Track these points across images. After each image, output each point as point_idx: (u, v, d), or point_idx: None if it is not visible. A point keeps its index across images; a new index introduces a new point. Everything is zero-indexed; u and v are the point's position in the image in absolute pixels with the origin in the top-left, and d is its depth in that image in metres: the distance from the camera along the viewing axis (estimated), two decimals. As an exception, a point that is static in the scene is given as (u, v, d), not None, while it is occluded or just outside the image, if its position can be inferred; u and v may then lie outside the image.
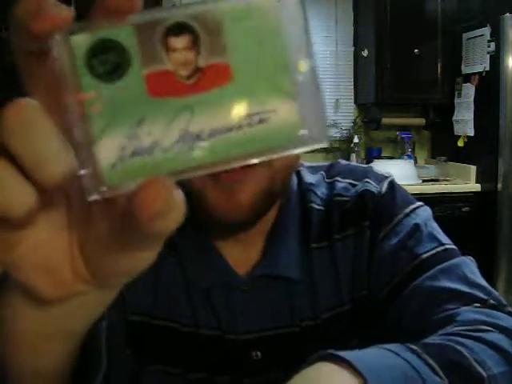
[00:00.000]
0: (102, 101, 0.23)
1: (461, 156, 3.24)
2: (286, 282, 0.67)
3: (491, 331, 0.53)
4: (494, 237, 2.94)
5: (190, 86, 0.24)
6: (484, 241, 2.88)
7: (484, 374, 0.48)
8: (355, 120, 3.59)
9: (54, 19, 0.22)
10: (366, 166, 0.77)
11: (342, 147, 3.47)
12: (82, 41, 0.23)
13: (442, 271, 0.62)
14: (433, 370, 0.46)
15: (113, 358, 0.61)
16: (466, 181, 3.14)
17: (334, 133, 3.50)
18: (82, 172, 0.23)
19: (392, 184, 0.71)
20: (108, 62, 0.23)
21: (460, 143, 3.24)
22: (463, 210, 3.01)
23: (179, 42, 0.24)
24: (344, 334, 0.68)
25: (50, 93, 0.24)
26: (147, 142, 0.23)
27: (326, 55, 3.52)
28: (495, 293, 0.61)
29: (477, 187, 3.07)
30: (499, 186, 2.92)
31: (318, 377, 0.41)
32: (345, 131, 3.52)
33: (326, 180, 0.74)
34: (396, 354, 0.46)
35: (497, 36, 2.89)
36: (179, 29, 0.24)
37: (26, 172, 0.23)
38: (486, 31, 2.98)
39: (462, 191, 3.06)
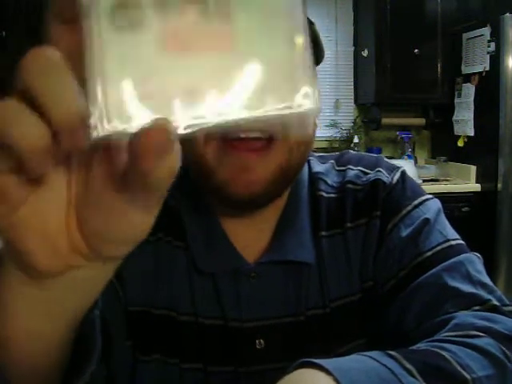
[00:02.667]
0: (118, 46, 0.24)
1: (461, 156, 3.24)
2: (294, 269, 0.67)
3: (481, 336, 0.53)
4: (493, 237, 2.94)
5: (203, 44, 0.25)
6: (484, 241, 2.88)
7: (468, 376, 0.47)
8: (355, 120, 3.60)
9: None
10: (376, 155, 0.77)
11: (342, 147, 3.47)
12: None
13: (446, 269, 0.62)
14: (410, 373, 0.46)
15: (114, 350, 0.62)
16: (465, 181, 3.14)
17: (334, 133, 3.51)
18: (91, 109, 0.24)
19: (403, 175, 0.72)
20: (129, 12, 0.24)
21: (460, 143, 3.24)
22: (463, 210, 3.01)
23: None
24: (350, 327, 0.68)
25: (74, 58, 0.25)
26: (156, 90, 0.25)
27: (326, 55, 3.51)
28: (498, 292, 0.61)
29: (477, 187, 3.07)
30: (499, 186, 2.92)
31: (301, 380, 0.42)
32: (345, 131, 3.52)
33: (337, 168, 0.74)
34: (374, 359, 0.47)
35: (497, 36, 2.89)
36: None
37: (41, 112, 0.24)
38: (486, 31, 2.98)
39: (461, 191, 3.06)
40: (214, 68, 0.25)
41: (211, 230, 0.66)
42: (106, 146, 0.26)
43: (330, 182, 0.72)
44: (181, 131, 0.25)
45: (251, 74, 0.25)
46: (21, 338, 0.32)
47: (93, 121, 0.24)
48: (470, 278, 0.61)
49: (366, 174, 0.72)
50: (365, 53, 3.42)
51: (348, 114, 3.61)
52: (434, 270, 0.62)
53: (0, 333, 0.32)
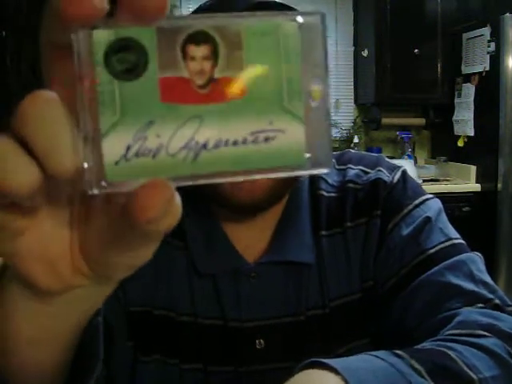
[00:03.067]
0: (114, 98, 0.23)
1: (461, 156, 3.24)
2: (293, 269, 0.67)
3: (486, 336, 0.53)
4: (494, 237, 2.94)
5: (203, 95, 0.24)
6: (484, 241, 2.88)
7: (474, 376, 0.48)
8: (355, 120, 3.60)
9: (90, 6, 0.22)
10: (376, 154, 0.77)
11: (342, 147, 3.47)
12: (103, 37, 0.23)
13: (448, 267, 0.62)
14: (419, 373, 0.46)
15: (115, 351, 0.61)
16: (465, 181, 3.14)
17: (334, 133, 3.51)
18: (86, 165, 0.23)
19: (404, 174, 0.72)
20: (126, 60, 0.23)
21: (460, 143, 3.24)
22: (463, 209, 3.01)
23: (199, 51, 0.24)
24: (350, 327, 0.68)
25: (69, 88, 0.24)
26: (154, 145, 0.24)
27: (326, 55, 3.52)
28: (500, 291, 0.61)
29: (477, 187, 3.07)
30: (499, 186, 2.92)
31: (309, 381, 0.42)
32: (345, 131, 3.52)
33: (337, 167, 0.74)
34: (381, 359, 0.47)
35: (497, 36, 2.89)
36: (200, 38, 0.24)
37: (36, 160, 0.23)
38: (486, 31, 2.98)
39: (461, 191, 3.06)
40: (220, 118, 0.24)
41: (211, 230, 0.66)
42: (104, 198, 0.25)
43: (330, 181, 0.72)
44: (178, 184, 0.24)
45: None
46: (22, 349, 0.32)
47: (87, 176, 0.24)
48: (472, 277, 0.61)
49: (367, 173, 0.72)
50: (365, 53, 3.42)
51: (348, 114, 3.61)
52: (436, 268, 0.62)
53: (1, 344, 0.32)
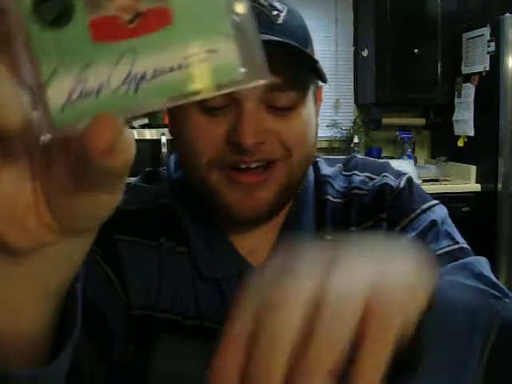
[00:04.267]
0: (50, 47, 0.24)
1: (461, 156, 3.24)
2: None
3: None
4: (494, 237, 2.94)
5: (131, 29, 0.25)
6: (484, 241, 2.88)
7: None
8: (355, 120, 3.60)
9: None
10: (383, 160, 0.77)
11: (342, 147, 3.48)
12: None
13: (458, 268, 0.61)
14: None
15: (115, 352, 0.61)
16: (465, 181, 3.14)
17: (334, 133, 3.51)
18: (35, 114, 0.24)
19: (410, 180, 0.72)
20: (54, 8, 0.24)
21: (460, 143, 3.24)
22: (463, 209, 3.01)
23: None
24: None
25: (6, 45, 0.24)
26: (94, 84, 0.25)
27: (326, 55, 3.52)
28: (511, 294, 0.61)
29: (477, 187, 3.07)
30: (499, 186, 2.93)
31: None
32: (345, 131, 3.52)
33: (344, 173, 0.73)
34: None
35: (497, 36, 2.89)
36: None
37: None
38: (486, 31, 2.98)
39: (461, 191, 3.06)
40: (152, 47, 0.25)
41: (214, 235, 0.66)
42: (59, 142, 0.26)
43: (336, 186, 0.72)
44: (124, 116, 0.25)
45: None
46: (1, 314, 0.32)
47: (37, 123, 0.24)
48: (482, 279, 0.60)
49: (373, 179, 0.71)
50: (365, 53, 3.42)
51: (348, 114, 3.61)
52: (445, 268, 0.61)
53: None
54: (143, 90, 0.25)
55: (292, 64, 0.56)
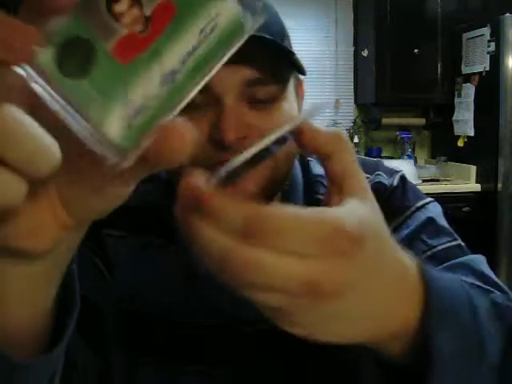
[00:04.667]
0: (88, 92, 0.25)
1: (461, 156, 3.24)
2: None
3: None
4: (494, 237, 2.94)
5: (148, 35, 0.26)
6: (484, 241, 2.88)
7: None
8: (355, 120, 3.60)
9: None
10: (375, 159, 0.76)
11: (342, 147, 3.47)
12: (46, 56, 0.24)
13: (457, 265, 0.61)
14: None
15: (109, 349, 0.61)
16: (465, 181, 3.14)
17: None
18: (106, 155, 0.25)
19: (403, 178, 0.71)
20: (75, 57, 0.25)
21: (460, 143, 3.24)
22: (463, 209, 3.01)
23: (121, 5, 0.25)
24: None
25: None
26: (139, 100, 0.26)
27: (326, 55, 3.52)
28: (511, 294, 0.60)
29: (477, 187, 3.07)
30: (499, 185, 2.93)
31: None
32: (345, 131, 3.52)
33: None
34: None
35: (497, 36, 2.89)
36: None
37: (19, 172, 0.24)
38: (486, 31, 2.98)
39: (462, 191, 3.06)
40: (171, 40, 0.26)
41: None
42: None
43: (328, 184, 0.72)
44: (178, 110, 0.27)
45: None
46: (11, 308, 0.33)
47: (111, 160, 0.25)
48: (483, 277, 0.60)
49: (366, 178, 0.71)
50: (365, 53, 3.42)
51: (348, 114, 3.61)
52: (445, 265, 0.61)
53: None
54: (179, 80, 0.26)
55: (269, 57, 0.56)
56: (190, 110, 0.57)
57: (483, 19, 3.03)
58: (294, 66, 0.61)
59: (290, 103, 0.61)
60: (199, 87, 0.27)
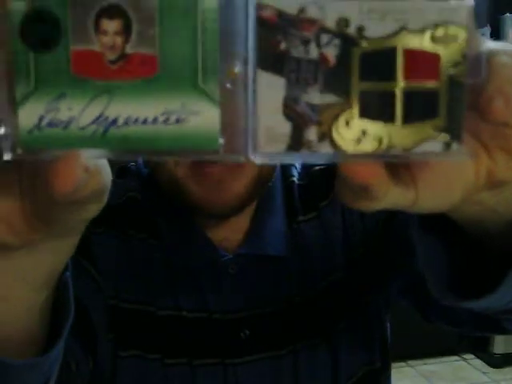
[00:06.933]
0: (29, 69, 0.24)
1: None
2: (272, 258, 0.67)
3: None
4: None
5: (114, 70, 0.24)
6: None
7: None
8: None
9: None
10: None
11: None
12: (19, 7, 0.23)
13: None
14: None
15: (98, 343, 0.62)
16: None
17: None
18: (2, 131, 0.24)
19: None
20: (40, 32, 0.24)
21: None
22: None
23: (111, 25, 0.24)
24: (333, 310, 0.69)
25: None
26: (65, 117, 0.24)
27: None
28: None
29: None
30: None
31: None
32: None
33: None
34: None
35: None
36: (113, 11, 0.24)
37: None
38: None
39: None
40: (130, 94, 0.24)
41: (186, 225, 0.66)
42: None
43: (298, 169, 0.73)
44: (88, 157, 0.25)
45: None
46: None
47: (2, 142, 0.24)
48: None
49: None
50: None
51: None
52: None
53: None
54: (111, 135, 0.24)
55: None
56: None
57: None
58: None
59: None
60: (123, 158, 0.25)
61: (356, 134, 0.25)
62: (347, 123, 0.25)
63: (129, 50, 0.24)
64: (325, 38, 0.24)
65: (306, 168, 0.72)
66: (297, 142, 0.25)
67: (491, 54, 0.28)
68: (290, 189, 0.71)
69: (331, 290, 0.69)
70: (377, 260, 0.69)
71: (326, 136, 0.25)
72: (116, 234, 0.66)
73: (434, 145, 0.25)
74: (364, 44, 0.24)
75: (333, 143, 0.25)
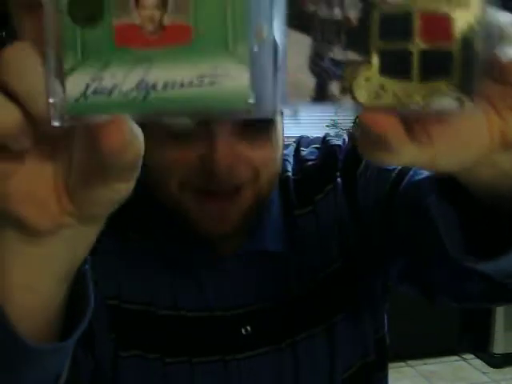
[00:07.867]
0: (76, 42, 0.26)
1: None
2: (271, 254, 0.68)
3: None
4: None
5: (152, 40, 0.26)
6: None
7: None
8: (355, 120, 3.60)
9: None
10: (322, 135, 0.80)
11: (342, 147, 3.48)
12: None
13: (419, 173, 0.61)
14: None
15: (97, 343, 0.62)
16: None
17: (334, 133, 3.51)
18: (51, 100, 0.26)
19: (354, 136, 0.74)
20: (86, 8, 0.26)
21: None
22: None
23: (150, 0, 0.26)
24: (332, 300, 0.69)
25: (39, 36, 0.26)
26: (109, 84, 0.26)
27: (326, 55, 3.52)
28: None
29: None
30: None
31: None
32: (345, 131, 3.52)
33: (294, 152, 0.76)
34: None
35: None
36: None
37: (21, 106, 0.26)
38: None
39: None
40: (168, 61, 0.26)
41: (184, 225, 0.66)
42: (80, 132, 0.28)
43: (292, 164, 0.74)
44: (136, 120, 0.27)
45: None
46: (17, 295, 0.33)
47: (51, 110, 0.26)
48: None
49: (319, 148, 0.75)
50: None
51: (348, 114, 3.61)
52: (411, 171, 0.62)
53: None
54: (151, 99, 0.26)
55: None
56: (180, 134, 0.58)
57: None
58: None
59: (278, 131, 0.63)
60: (163, 120, 0.28)
61: (375, 89, 0.27)
62: (367, 79, 0.27)
63: (166, 20, 0.26)
64: (348, 0, 0.27)
65: (300, 163, 0.74)
66: (321, 95, 0.27)
67: (503, 17, 0.28)
68: (285, 184, 0.72)
69: (329, 281, 0.69)
70: (374, 247, 0.70)
71: (347, 90, 0.27)
72: (116, 235, 0.66)
73: (449, 101, 0.27)
74: (383, 6, 0.27)
75: (353, 97, 0.27)
